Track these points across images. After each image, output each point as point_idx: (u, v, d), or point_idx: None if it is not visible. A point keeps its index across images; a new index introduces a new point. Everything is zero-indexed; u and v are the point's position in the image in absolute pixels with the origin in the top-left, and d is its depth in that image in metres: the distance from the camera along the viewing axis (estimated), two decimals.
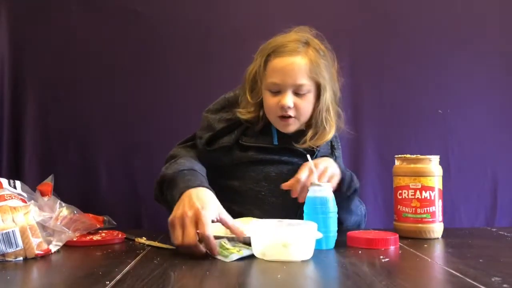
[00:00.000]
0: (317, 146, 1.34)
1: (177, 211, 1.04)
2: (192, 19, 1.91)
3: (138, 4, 1.91)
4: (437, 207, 1.23)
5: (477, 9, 1.95)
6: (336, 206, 1.11)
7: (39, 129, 1.89)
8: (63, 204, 1.12)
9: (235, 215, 1.24)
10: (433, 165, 1.25)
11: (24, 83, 1.90)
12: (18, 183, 1.12)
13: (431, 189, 1.23)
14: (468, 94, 1.95)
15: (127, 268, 0.90)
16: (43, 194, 1.11)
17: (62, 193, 1.16)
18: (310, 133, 1.33)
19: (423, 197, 1.23)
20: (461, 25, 1.94)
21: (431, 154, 1.26)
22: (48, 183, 1.14)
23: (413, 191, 1.23)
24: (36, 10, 1.90)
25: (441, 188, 1.25)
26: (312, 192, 1.10)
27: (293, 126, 1.33)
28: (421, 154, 1.26)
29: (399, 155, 1.29)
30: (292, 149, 1.34)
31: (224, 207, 1.25)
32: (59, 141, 1.89)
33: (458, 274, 0.85)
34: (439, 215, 1.24)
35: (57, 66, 1.90)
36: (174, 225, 1.03)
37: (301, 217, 1.13)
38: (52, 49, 1.90)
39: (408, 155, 1.27)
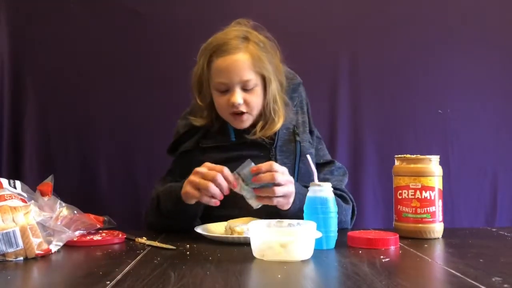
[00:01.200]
0: (267, 137, 1.35)
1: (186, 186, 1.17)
2: (192, 19, 1.90)
3: (138, 4, 1.91)
4: (437, 207, 1.23)
5: (478, 9, 1.95)
6: (337, 206, 1.11)
7: (39, 129, 1.89)
8: (63, 204, 1.12)
9: (218, 219, 1.25)
10: (433, 165, 1.25)
11: (24, 83, 1.90)
12: (18, 183, 1.12)
13: (431, 189, 1.23)
14: (468, 94, 1.95)
15: (127, 268, 0.90)
16: (43, 194, 1.11)
17: (62, 193, 1.16)
18: (260, 124, 1.36)
19: (423, 197, 1.22)
20: (461, 25, 1.94)
21: (431, 154, 1.26)
22: (48, 183, 1.14)
23: (413, 191, 1.23)
24: (36, 10, 1.91)
25: (441, 188, 1.25)
26: (312, 192, 1.10)
27: (247, 122, 1.35)
28: (421, 154, 1.26)
29: (399, 155, 1.28)
30: (251, 142, 1.36)
31: (207, 214, 1.28)
32: (59, 141, 1.89)
33: (458, 274, 0.85)
34: (439, 215, 1.24)
35: (57, 66, 1.90)
36: (193, 182, 1.14)
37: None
38: (52, 49, 1.90)
39: (408, 155, 1.27)
